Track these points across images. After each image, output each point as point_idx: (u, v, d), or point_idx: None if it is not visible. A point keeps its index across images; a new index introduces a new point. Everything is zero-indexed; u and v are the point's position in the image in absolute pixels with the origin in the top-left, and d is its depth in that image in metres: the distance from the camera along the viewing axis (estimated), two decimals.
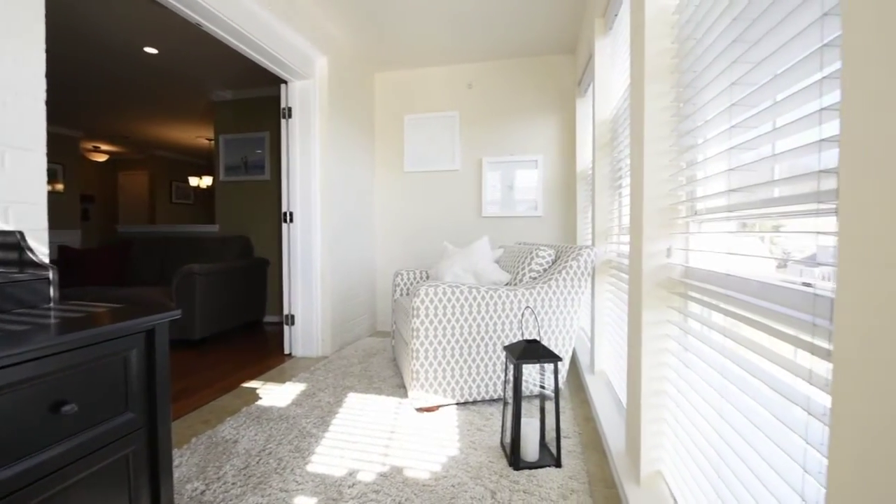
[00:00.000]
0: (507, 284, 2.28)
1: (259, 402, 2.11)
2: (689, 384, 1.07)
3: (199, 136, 6.04)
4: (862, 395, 0.45)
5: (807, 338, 0.61)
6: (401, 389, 2.28)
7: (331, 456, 1.59)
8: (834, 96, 0.58)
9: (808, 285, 0.70)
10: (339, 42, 3.10)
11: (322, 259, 2.95)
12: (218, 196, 4.35)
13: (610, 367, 2.16)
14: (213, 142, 4.69)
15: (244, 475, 1.46)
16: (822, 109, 0.60)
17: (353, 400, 2.14)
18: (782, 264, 0.85)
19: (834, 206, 0.52)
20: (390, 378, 2.47)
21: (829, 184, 0.58)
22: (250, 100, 4.22)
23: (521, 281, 2.19)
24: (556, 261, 2.20)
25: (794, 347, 0.66)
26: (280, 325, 3.91)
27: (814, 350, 0.59)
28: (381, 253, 3.83)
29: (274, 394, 2.22)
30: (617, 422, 1.68)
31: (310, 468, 1.51)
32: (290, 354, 3.00)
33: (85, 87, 4.13)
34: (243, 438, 1.73)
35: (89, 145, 6.50)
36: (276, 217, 4.12)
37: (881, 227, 0.42)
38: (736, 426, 0.82)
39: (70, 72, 3.71)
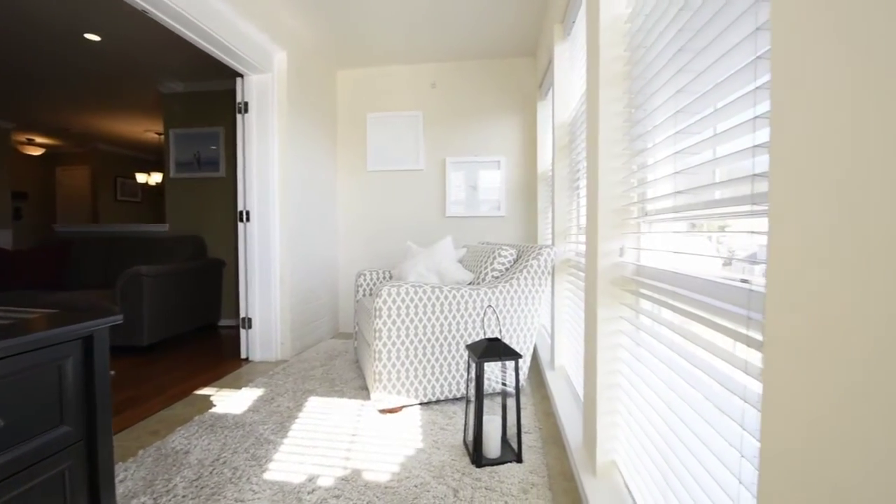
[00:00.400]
0: (470, 284, 2.30)
1: (213, 410, 2.01)
2: (641, 377, 1.11)
3: (147, 129, 5.71)
4: (788, 381, 0.48)
5: (743, 330, 0.66)
6: (363, 391, 2.25)
7: (290, 462, 1.55)
8: (766, 105, 0.63)
9: (746, 282, 0.75)
10: (300, 37, 3.02)
11: (281, 259, 2.86)
12: (168, 194, 4.12)
13: (569, 362, 2.23)
14: (162, 136, 4.45)
15: (196, 487, 1.40)
16: (755, 118, 0.64)
17: (314, 404, 2.09)
18: (728, 262, 0.90)
19: (765, 208, 0.56)
20: (353, 380, 2.43)
21: (762, 187, 0.62)
22: (203, 93, 4.03)
23: (483, 280, 2.21)
24: (517, 260, 2.25)
25: (733, 340, 0.70)
26: (236, 328, 3.75)
27: (749, 342, 0.64)
28: (343, 253, 3.76)
29: (229, 400, 2.13)
30: (575, 416, 1.73)
31: (267, 476, 1.46)
32: (247, 359, 2.89)
33: (17, 74, 3.80)
34: (195, 448, 1.65)
35: (22, 138, 5.99)
36: (232, 216, 3.96)
37: (805, 228, 0.46)
38: (682, 416, 0.87)
39: None
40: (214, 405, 2.09)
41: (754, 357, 0.63)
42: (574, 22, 2.12)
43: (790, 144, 0.48)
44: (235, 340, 3.34)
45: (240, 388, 2.33)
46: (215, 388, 2.34)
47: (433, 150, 3.64)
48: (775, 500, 0.51)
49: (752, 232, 0.67)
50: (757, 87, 0.64)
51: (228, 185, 3.95)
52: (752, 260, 0.81)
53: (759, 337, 0.61)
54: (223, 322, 4.03)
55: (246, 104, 2.81)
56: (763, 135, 0.63)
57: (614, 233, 1.27)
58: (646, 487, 1.06)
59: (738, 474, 0.66)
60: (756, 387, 0.63)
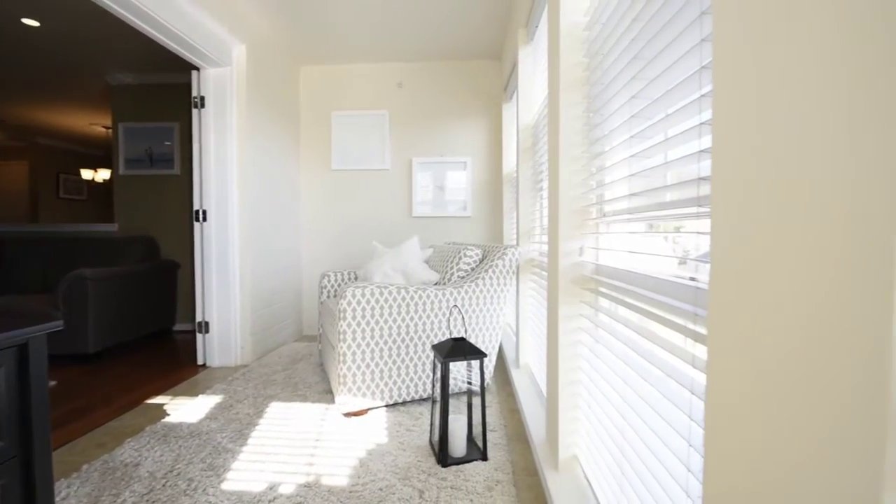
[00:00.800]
0: (436, 284, 2.30)
1: (166, 419, 1.92)
2: (600, 373, 1.15)
3: (93, 123, 5.36)
4: (728, 371, 0.51)
5: (690, 325, 0.69)
6: (328, 395, 2.20)
7: (249, 471, 1.49)
8: (709, 113, 0.66)
9: (694, 280, 0.79)
10: (260, 30, 2.92)
11: (241, 261, 2.76)
12: (117, 191, 3.88)
13: (533, 360, 2.27)
14: (110, 130, 4.19)
15: (147, 501, 1.32)
16: (700, 124, 0.68)
17: (276, 409, 2.03)
18: (683, 261, 0.95)
19: (708, 210, 0.59)
20: (317, 384, 2.38)
21: (706, 190, 0.66)
22: (157, 86, 3.83)
23: (449, 280, 2.22)
24: (483, 260, 2.27)
25: (683, 336, 0.74)
26: (193, 333, 3.59)
27: (696, 337, 0.67)
28: (307, 254, 3.68)
29: (185, 409, 2.04)
30: (539, 412, 1.77)
31: (225, 486, 1.40)
32: (204, 365, 2.77)
33: None
34: (146, 460, 1.56)
35: None
36: (188, 215, 3.78)
37: (742, 229, 0.49)
38: (637, 409, 0.91)
39: None
40: (168, 414, 1.99)
41: (700, 351, 0.67)
42: (537, 27, 2.17)
43: (728, 150, 0.52)
44: (192, 346, 3.20)
45: (196, 395, 2.22)
46: (169, 397, 2.23)
47: (400, 150, 3.62)
48: (719, 484, 0.54)
49: (699, 232, 0.71)
50: (702, 96, 0.68)
51: (184, 183, 3.77)
52: (700, 259, 0.86)
53: (703, 331, 0.64)
54: (178, 327, 3.84)
55: (202, 98, 2.69)
56: (707, 140, 0.67)
57: (574, 233, 1.30)
58: (604, 479, 1.10)
59: (686, 462, 0.69)
60: (702, 379, 0.66)
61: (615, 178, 1.13)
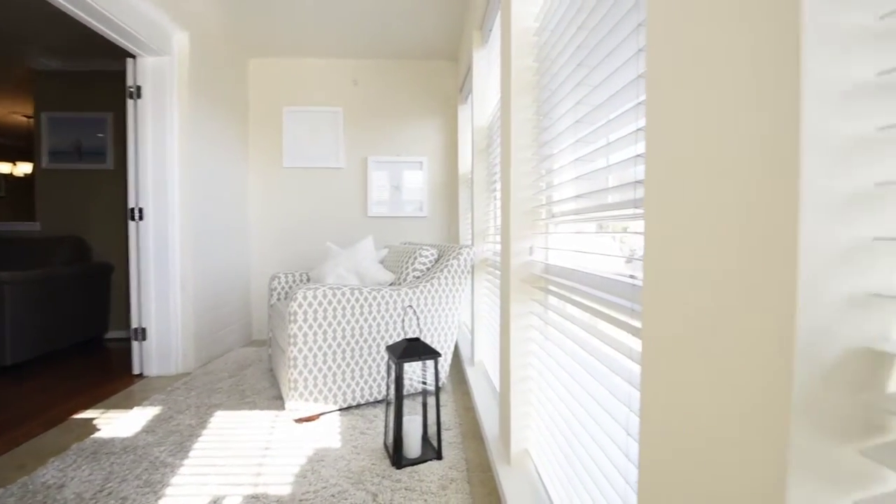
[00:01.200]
0: (391, 284, 2.28)
1: (96, 435, 1.77)
2: (549, 369, 1.19)
3: (12, 111, 4.85)
4: (658, 361, 0.55)
5: (628, 320, 0.73)
6: (278, 401, 2.12)
7: (191, 485, 1.41)
8: (644, 120, 0.70)
9: (633, 277, 0.83)
10: (204, 18, 2.77)
11: (182, 263, 2.59)
12: (40, 187, 3.54)
13: (488, 358, 2.31)
14: (32, 120, 3.81)
15: None
16: (637, 130, 0.72)
17: (222, 419, 1.93)
18: (629, 259, 0.99)
19: (642, 211, 0.63)
20: (266, 390, 2.28)
21: (641, 193, 0.69)
22: (87, 73, 3.52)
23: (405, 280, 2.21)
24: (438, 260, 2.28)
25: (623, 330, 0.78)
26: (128, 341, 3.33)
27: (633, 331, 0.71)
28: (257, 255, 3.52)
29: (118, 423, 1.89)
30: (493, 409, 1.80)
31: (163, 503, 1.31)
32: (140, 375, 2.58)
33: None
34: (72, 481, 1.43)
35: None
36: (122, 214, 3.51)
37: (670, 229, 0.52)
38: (582, 402, 0.94)
39: None
40: (98, 429, 1.83)
41: (637, 344, 0.70)
42: (491, 30, 2.21)
43: (658, 156, 0.55)
44: (126, 354, 2.96)
45: (131, 407, 2.07)
46: (100, 410, 2.06)
47: (354, 149, 3.56)
48: (652, 471, 0.57)
49: (636, 232, 0.75)
50: (638, 103, 0.71)
51: (118, 179, 3.50)
52: (637, 258, 0.91)
53: (639, 325, 0.68)
54: (112, 334, 3.55)
55: (139, 88, 2.51)
56: (642, 146, 0.70)
57: (525, 233, 1.34)
58: (553, 471, 1.13)
59: (625, 450, 0.73)
60: (638, 370, 0.70)
61: (563, 180, 1.17)
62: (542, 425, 1.24)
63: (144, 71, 2.50)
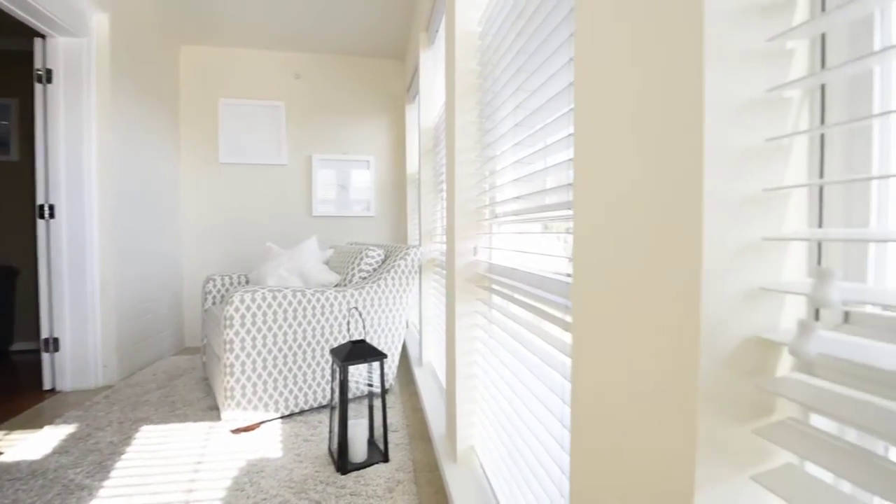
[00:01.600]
0: (336, 286, 2.23)
1: None
2: (492, 366, 1.22)
3: None
4: (586, 353, 0.58)
5: (562, 316, 0.76)
6: (213, 412, 2.00)
7: None
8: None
9: (569, 275, 0.87)
10: None
11: (102, 265, 2.37)
12: None
13: (435, 357, 2.32)
14: None
15: None
16: (569, 135, 0.75)
17: (149, 434, 1.78)
18: (570, 258, 1.04)
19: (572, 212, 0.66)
20: (200, 400, 2.14)
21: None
22: None
23: (350, 281, 2.16)
24: (385, 260, 2.25)
25: (559, 327, 0.81)
26: (37, 353, 2.99)
27: (566, 326, 0.74)
28: (189, 256, 3.29)
29: (24, 444, 1.69)
30: (441, 408, 1.81)
31: None
32: (52, 390, 2.32)
33: None
34: None
35: None
36: (31, 211, 3.14)
37: (594, 230, 0.55)
38: (522, 397, 0.98)
39: None
40: (1, 452, 1.63)
41: (569, 338, 0.74)
42: (437, 31, 2.22)
43: (584, 161, 0.58)
44: (36, 368, 2.65)
45: (41, 427, 1.86)
46: (3, 432, 1.83)
47: (298, 145, 3.43)
48: (581, 457, 0.60)
49: (566, 232, 0.79)
50: (570, 110, 0.75)
51: (24, 172, 3.13)
52: (570, 256, 0.95)
53: (570, 320, 0.71)
54: (17, 346, 3.17)
55: (49, 72, 2.26)
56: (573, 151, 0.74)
57: (470, 233, 1.36)
58: (496, 466, 1.16)
59: (560, 441, 0.76)
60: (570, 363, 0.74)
61: (505, 182, 1.20)
62: (487, 421, 1.27)
63: (56, 53, 2.26)
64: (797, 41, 0.42)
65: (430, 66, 2.41)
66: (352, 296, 2.01)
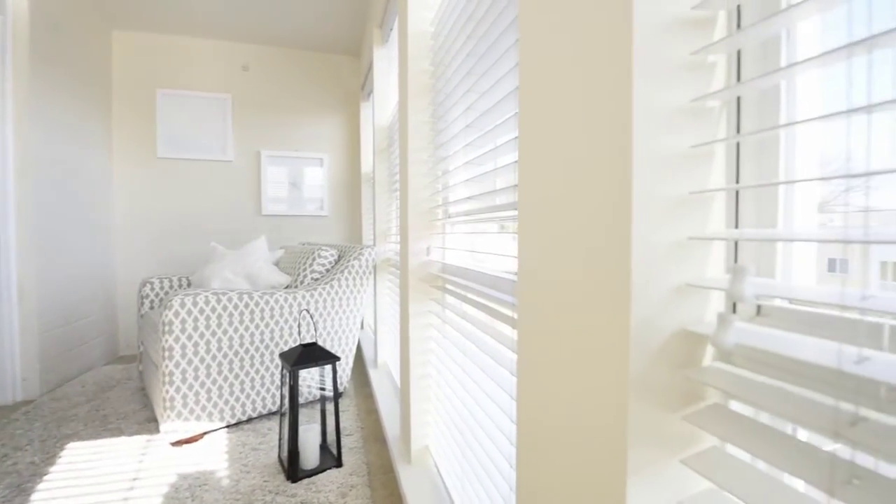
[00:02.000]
0: (287, 287, 2.15)
1: None
2: (446, 365, 1.22)
3: None
4: (529, 349, 0.59)
5: (510, 314, 0.78)
6: (151, 424, 1.87)
7: None
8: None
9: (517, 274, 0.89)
10: None
11: (20, 269, 2.15)
12: None
13: (391, 358, 2.30)
14: None
15: None
16: (516, 138, 0.77)
17: (76, 451, 1.64)
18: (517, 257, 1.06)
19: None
20: (136, 413, 1.99)
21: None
22: None
23: (302, 283, 2.10)
24: (339, 261, 2.20)
25: (507, 324, 0.83)
26: None
27: (513, 323, 0.76)
28: (125, 257, 3.05)
29: None
30: (396, 409, 1.79)
31: None
32: None
33: None
34: None
35: None
36: None
37: (534, 230, 0.57)
38: (473, 395, 0.99)
39: None
40: None
41: (515, 334, 0.76)
42: (392, 29, 2.20)
43: (526, 164, 0.60)
44: None
45: None
46: None
47: (246, 141, 3.27)
48: (526, 449, 0.62)
49: (513, 232, 0.80)
50: (516, 113, 0.77)
51: None
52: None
53: (516, 316, 0.73)
54: None
55: None
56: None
57: (423, 233, 1.36)
58: (450, 464, 1.17)
59: (508, 435, 0.78)
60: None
61: (457, 182, 1.21)
62: (441, 421, 1.27)
63: None
64: (718, 55, 0.46)
65: (385, 63, 2.39)
66: (303, 297, 1.95)
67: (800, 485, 0.40)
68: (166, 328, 1.60)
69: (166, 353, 1.61)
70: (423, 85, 1.36)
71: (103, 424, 1.87)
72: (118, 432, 1.79)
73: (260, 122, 3.30)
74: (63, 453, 1.62)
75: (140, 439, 1.73)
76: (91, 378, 2.49)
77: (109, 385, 2.37)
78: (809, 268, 0.44)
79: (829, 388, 0.34)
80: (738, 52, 0.46)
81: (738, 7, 0.45)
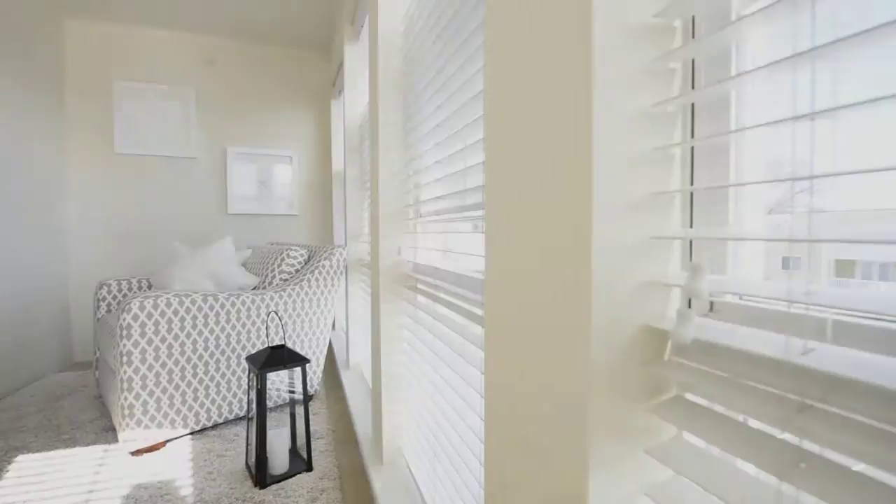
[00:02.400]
0: (254, 288, 2.09)
1: None
2: (418, 366, 1.22)
3: None
4: (496, 346, 0.60)
5: (479, 312, 0.79)
6: (109, 433, 1.78)
7: None
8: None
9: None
10: None
11: None
12: None
13: (363, 359, 2.27)
14: None
15: None
16: (483, 138, 0.77)
17: (26, 464, 1.54)
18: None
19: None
20: (92, 422, 1.89)
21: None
22: None
23: (270, 284, 2.04)
24: (309, 261, 2.16)
25: (476, 323, 0.84)
26: None
27: (481, 322, 0.77)
28: (79, 258, 2.88)
29: None
30: (368, 411, 1.78)
31: None
32: None
33: None
34: None
35: None
36: None
37: (501, 229, 0.58)
38: (444, 394, 0.99)
39: None
40: None
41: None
42: (363, 26, 2.17)
43: (492, 165, 0.60)
44: None
45: None
46: None
47: (211, 137, 3.16)
48: (494, 444, 0.62)
49: (482, 231, 0.81)
50: (482, 115, 0.77)
51: None
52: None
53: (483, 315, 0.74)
54: None
55: None
56: None
57: (394, 233, 1.35)
58: (422, 465, 1.17)
59: (478, 433, 0.79)
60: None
61: (428, 181, 1.21)
62: (413, 421, 1.27)
63: None
64: (677, 63, 0.47)
65: (356, 60, 2.36)
66: (271, 299, 1.90)
67: (751, 469, 0.42)
68: (124, 332, 1.53)
69: (124, 359, 1.53)
70: (395, 83, 1.35)
71: (56, 435, 1.77)
72: (72, 443, 1.70)
73: (226, 118, 3.19)
74: (10, 467, 1.52)
75: (96, 449, 1.64)
76: (43, 386, 2.34)
77: (63, 393, 2.24)
78: (758, 265, 0.47)
79: (777, 379, 0.36)
80: (693, 61, 0.48)
81: (693, 18, 0.47)
